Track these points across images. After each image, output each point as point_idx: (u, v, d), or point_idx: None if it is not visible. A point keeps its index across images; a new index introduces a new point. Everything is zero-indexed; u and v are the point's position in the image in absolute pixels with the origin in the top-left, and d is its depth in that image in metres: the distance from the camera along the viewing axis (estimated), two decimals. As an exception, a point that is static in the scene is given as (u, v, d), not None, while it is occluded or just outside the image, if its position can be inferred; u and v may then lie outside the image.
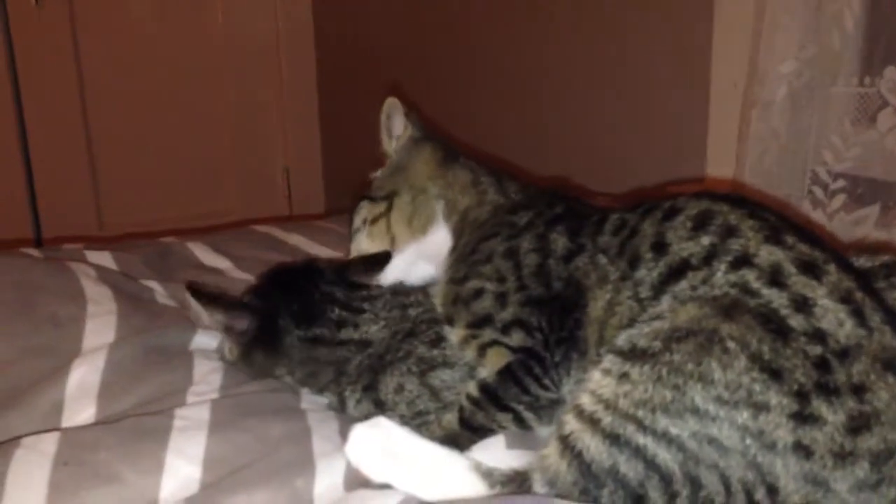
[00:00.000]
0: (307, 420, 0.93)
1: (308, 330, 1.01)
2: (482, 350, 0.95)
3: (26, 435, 0.88)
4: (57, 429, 0.91)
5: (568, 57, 2.20)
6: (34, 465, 0.83)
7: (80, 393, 0.98)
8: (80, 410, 0.96)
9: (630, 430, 0.72)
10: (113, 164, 3.14)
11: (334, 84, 3.29)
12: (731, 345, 0.71)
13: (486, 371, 0.94)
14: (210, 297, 1.03)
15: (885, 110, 1.49)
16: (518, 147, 2.34)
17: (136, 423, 0.90)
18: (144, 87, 3.14)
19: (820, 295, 0.74)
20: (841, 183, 1.55)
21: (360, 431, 0.85)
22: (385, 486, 0.81)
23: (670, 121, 1.92)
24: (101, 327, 1.09)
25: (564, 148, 2.26)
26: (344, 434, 0.89)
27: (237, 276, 1.35)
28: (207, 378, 1.01)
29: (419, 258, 1.07)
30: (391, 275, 1.07)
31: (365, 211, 1.09)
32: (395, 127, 1.11)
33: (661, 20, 1.91)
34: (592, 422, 0.74)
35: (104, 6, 3.06)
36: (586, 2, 2.11)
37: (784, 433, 0.69)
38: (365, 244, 1.09)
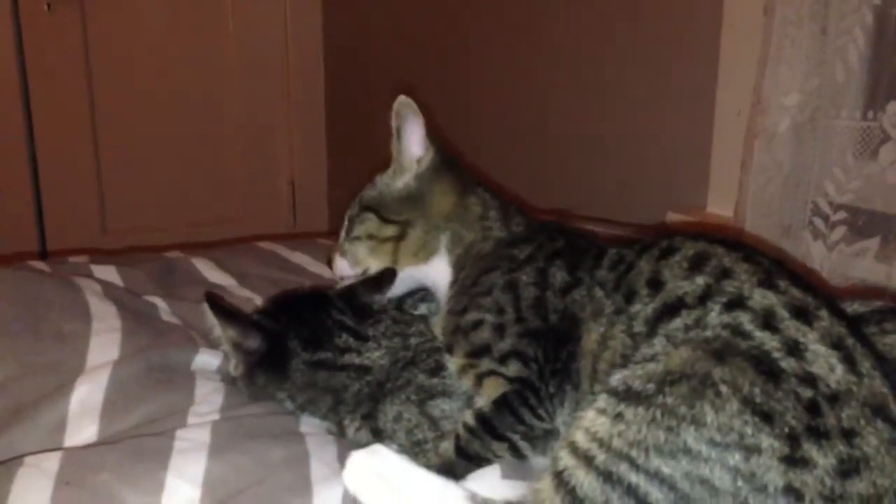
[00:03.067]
0: (306, 444, 0.94)
1: (313, 354, 1.02)
2: (479, 379, 0.96)
3: (30, 453, 0.89)
4: (60, 448, 0.93)
5: (571, 82, 2.21)
6: (37, 483, 0.84)
7: (83, 411, 0.99)
8: (83, 428, 0.97)
9: (623, 469, 0.73)
10: (119, 169, 3.17)
11: (342, 98, 3.31)
12: (723, 388, 0.72)
13: (483, 400, 0.95)
14: (226, 312, 1.04)
15: (886, 144, 1.50)
16: (518, 171, 2.34)
17: (138, 443, 0.91)
18: (153, 94, 3.17)
19: (811, 340, 0.75)
20: (842, 215, 1.56)
21: (357, 458, 0.86)
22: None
23: (673, 148, 1.94)
24: (105, 344, 1.10)
25: (565, 173, 2.27)
26: (342, 459, 0.90)
27: (241, 293, 1.36)
28: (209, 398, 1.02)
29: (415, 281, 1.09)
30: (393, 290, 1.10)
31: (372, 225, 1.09)
32: (414, 141, 1.08)
33: (667, 46, 1.93)
34: (587, 459, 0.75)
35: (115, 13, 3.10)
36: (592, 28, 2.13)
37: (775, 476, 0.70)
38: (362, 254, 1.10)
